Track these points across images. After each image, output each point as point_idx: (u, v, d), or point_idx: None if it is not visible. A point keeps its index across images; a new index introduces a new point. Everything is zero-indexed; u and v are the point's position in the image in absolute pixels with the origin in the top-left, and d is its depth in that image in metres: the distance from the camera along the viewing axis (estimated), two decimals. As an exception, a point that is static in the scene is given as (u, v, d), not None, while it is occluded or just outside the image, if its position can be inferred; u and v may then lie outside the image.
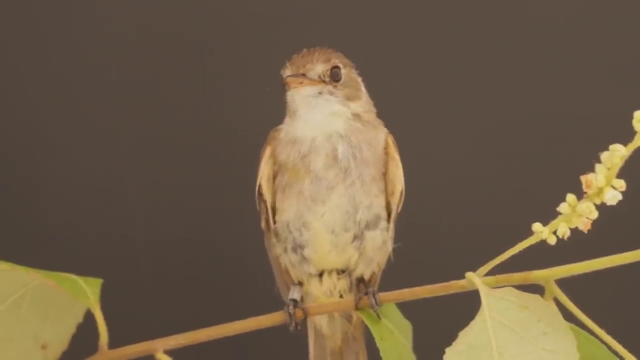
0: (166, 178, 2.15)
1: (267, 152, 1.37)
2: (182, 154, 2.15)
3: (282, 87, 1.37)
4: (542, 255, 1.25)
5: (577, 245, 1.22)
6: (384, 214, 1.37)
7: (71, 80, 2.14)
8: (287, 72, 1.36)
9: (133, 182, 2.15)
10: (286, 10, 2.09)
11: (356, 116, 1.36)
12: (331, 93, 1.35)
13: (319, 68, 1.35)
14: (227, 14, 2.12)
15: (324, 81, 1.35)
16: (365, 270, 1.38)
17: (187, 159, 2.15)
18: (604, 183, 1.11)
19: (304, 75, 1.35)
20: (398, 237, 1.40)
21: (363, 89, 1.39)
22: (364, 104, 1.38)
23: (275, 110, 1.43)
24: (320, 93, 1.35)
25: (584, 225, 1.13)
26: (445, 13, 2.09)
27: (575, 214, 1.13)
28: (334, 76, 1.36)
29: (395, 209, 1.38)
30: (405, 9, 2.09)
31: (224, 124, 2.14)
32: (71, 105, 2.15)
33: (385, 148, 1.37)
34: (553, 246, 1.18)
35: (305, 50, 1.37)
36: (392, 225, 1.39)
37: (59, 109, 2.15)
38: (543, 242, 1.18)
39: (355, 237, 1.35)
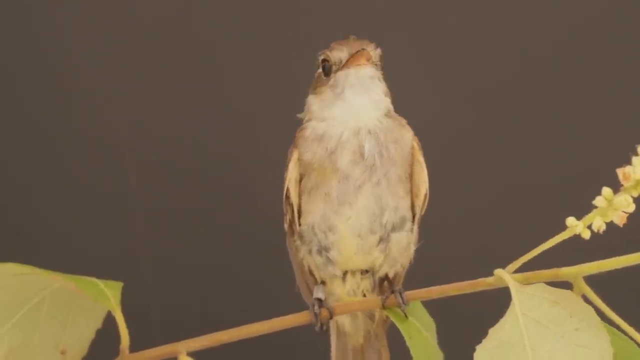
0: (179, 177, 2.15)
1: (295, 155, 1.35)
2: (190, 154, 2.15)
3: (326, 68, 1.35)
4: (565, 252, 1.25)
5: (604, 242, 1.22)
6: (409, 215, 1.36)
7: (72, 80, 2.14)
8: (339, 53, 1.34)
9: (143, 183, 2.15)
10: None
11: (388, 111, 1.35)
12: (380, 79, 1.35)
13: (373, 52, 1.34)
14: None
15: (377, 65, 1.34)
16: (389, 270, 1.37)
17: (196, 157, 2.15)
18: (642, 175, 1.10)
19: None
20: (422, 235, 1.39)
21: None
22: (389, 100, 1.37)
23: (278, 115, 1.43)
24: (374, 77, 1.34)
25: (620, 219, 1.13)
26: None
27: (611, 208, 1.12)
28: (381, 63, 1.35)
29: (419, 211, 1.37)
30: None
31: (233, 126, 2.14)
32: (72, 106, 2.15)
33: (411, 150, 1.35)
34: (574, 243, 1.18)
35: (350, 35, 1.35)
36: (415, 227, 1.37)
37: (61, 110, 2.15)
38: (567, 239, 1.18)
39: (381, 240, 1.34)
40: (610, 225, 1.14)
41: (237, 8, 2.14)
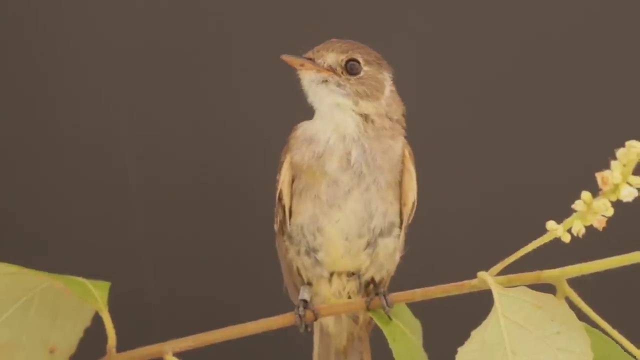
0: (176, 179, 2.15)
1: (288, 157, 1.36)
2: (188, 155, 2.15)
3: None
4: (550, 255, 1.25)
5: (587, 245, 1.21)
6: (397, 221, 1.36)
7: (71, 78, 2.15)
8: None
9: (142, 183, 2.16)
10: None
11: (365, 117, 1.34)
12: (338, 84, 1.34)
13: (332, 57, 1.34)
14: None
15: (333, 71, 1.34)
16: (375, 274, 1.38)
17: (195, 159, 2.15)
18: (620, 180, 1.10)
19: (311, 60, 1.35)
20: (407, 237, 1.39)
21: (386, 92, 1.36)
22: (379, 107, 1.35)
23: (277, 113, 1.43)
24: (325, 81, 1.35)
25: (599, 223, 1.12)
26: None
27: (591, 212, 1.12)
28: (350, 69, 1.34)
29: (406, 219, 1.37)
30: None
31: (231, 126, 2.14)
32: (71, 104, 2.16)
33: (402, 158, 1.35)
34: (561, 245, 1.18)
35: (334, 39, 1.36)
36: (402, 233, 1.38)
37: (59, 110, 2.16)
38: (550, 242, 1.18)
39: (368, 244, 1.35)
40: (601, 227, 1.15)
41: (238, 4, 2.14)
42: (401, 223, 1.37)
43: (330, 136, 1.33)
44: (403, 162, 1.35)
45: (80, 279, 1.30)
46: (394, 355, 1.26)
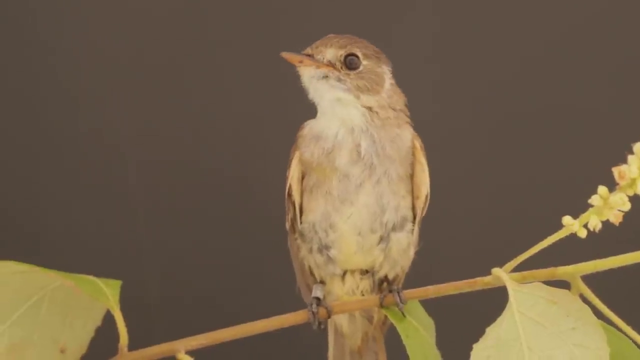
0: (177, 180, 2.15)
1: (297, 153, 1.35)
2: (189, 156, 2.15)
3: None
4: (563, 251, 1.24)
5: (600, 241, 1.21)
6: (410, 215, 1.35)
7: (73, 80, 2.14)
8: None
9: (142, 184, 2.15)
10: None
11: (368, 109, 1.34)
12: (339, 79, 1.34)
13: (331, 52, 1.34)
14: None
15: (333, 66, 1.34)
16: (389, 272, 1.37)
17: (195, 159, 2.15)
18: (637, 174, 1.10)
19: (310, 56, 1.35)
20: (421, 234, 1.38)
21: (386, 85, 1.36)
22: (380, 100, 1.35)
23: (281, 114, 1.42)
24: (326, 77, 1.34)
25: (616, 218, 1.12)
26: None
27: (607, 206, 1.12)
28: (349, 64, 1.34)
29: (420, 212, 1.36)
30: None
31: (231, 127, 2.14)
32: (72, 105, 2.15)
33: (412, 150, 1.35)
34: (574, 242, 1.18)
35: (332, 35, 1.36)
36: (416, 228, 1.37)
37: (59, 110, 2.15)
38: (562, 239, 1.18)
39: (381, 239, 1.34)
40: (609, 224, 1.14)
41: (238, 6, 2.14)
42: (414, 218, 1.36)
43: (338, 131, 1.33)
44: (414, 154, 1.35)
45: (91, 278, 1.30)
46: (408, 351, 1.25)
